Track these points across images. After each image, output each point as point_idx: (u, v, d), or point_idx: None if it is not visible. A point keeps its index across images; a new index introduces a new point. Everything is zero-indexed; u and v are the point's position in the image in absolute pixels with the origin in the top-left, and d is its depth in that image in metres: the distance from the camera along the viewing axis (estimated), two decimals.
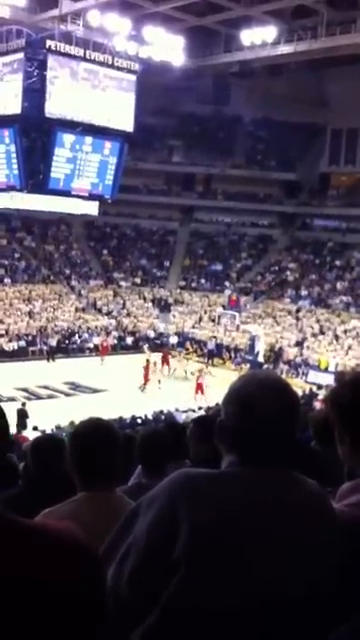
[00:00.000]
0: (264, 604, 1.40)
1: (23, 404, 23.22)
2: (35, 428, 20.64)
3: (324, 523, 1.54)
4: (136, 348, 36.11)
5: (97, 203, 28.59)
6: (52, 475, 3.75)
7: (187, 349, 36.65)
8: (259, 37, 35.93)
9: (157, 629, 1.40)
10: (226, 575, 1.40)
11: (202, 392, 28.07)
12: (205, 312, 42.29)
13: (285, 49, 36.15)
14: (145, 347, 34.86)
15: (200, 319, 41.68)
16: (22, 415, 22.07)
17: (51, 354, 34.66)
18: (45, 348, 35.11)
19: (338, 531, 1.55)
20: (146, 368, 30.04)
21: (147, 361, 30.43)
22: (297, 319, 39.33)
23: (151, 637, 1.40)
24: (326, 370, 32.06)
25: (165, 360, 32.69)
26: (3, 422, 1.33)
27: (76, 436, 2.72)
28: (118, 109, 26.73)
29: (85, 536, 1.24)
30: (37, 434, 16.51)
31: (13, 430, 19.77)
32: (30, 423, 21.41)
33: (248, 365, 32.07)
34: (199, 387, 28.44)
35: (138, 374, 30.24)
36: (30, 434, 18.91)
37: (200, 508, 1.44)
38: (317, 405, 20.20)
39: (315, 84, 42.45)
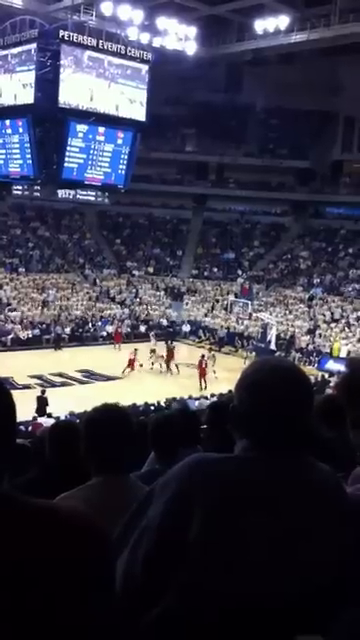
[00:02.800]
0: (276, 586, 1.42)
1: (43, 391, 23.44)
2: (49, 415, 20.95)
3: (337, 507, 1.55)
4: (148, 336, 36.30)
5: None
6: (68, 461, 3.78)
7: (200, 337, 36.79)
8: (272, 25, 35.84)
9: (171, 611, 1.41)
10: (238, 557, 1.42)
11: (204, 377, 28.36)
12: (217, 301, 42.38)
13: (298, 37, 36.05)
14: (152, 335, 34.99)
15: (212, 307, 41.81)
16: (42, 402, 22.33)
17: (58, 343, 34.81)
18: (52, 336, 35.26)
19: (351, 514, 1.56)
20: (133, 355, 30.14)
21: (135, 350, 30.62)
22: (309, 307, 39.38)
23: (165, 619, 1.41)
24: (338, 357, 32.11)
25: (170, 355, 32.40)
26: (9, 402, 1.32)
27: (89, 421, 2.73)
28: (131, 99, 26.75)
29: (94, 516, 1.26)
30: (51, 421, 16.87)
31: (28, 417, 20.15)
32: (49, 410, 21.67)
33: (254, 353, 32.12)
34: (202, 372, 28.67)
35: (153, 361, 30.59)
36: (44, 421, 19.25)
37: (212, 492, 1.46)
38: (329, 392, 20.33)
39: (328, 72, 42.19)
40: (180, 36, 37.36)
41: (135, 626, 1.43)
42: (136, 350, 30.75)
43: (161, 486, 1.56)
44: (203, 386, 28.15)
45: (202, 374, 28.68)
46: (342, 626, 1.41)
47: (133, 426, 2.76)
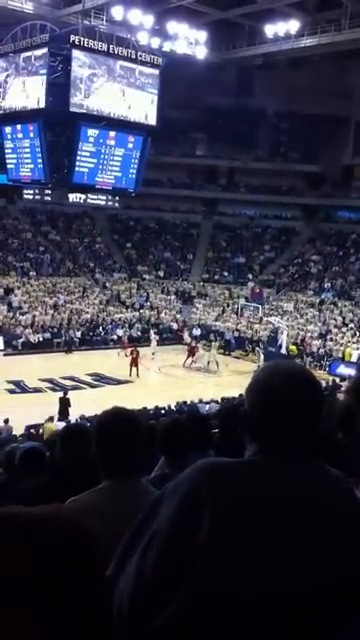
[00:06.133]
0: (286, 590, 1.40)
1: (65, 393, 23.59)
2: (60, 419, 21.03)
3: (346, 511, 1.53)
4: (160, 340, 36.33)
5: None
6: (79, 464, 3.76)
7: (211, 341, 36.82)
8: (282, 30, 35.88)
9: (180, 614, 1.39)
10: (248, 561, 1.41)
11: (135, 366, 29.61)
12: (228, 305, 42.39)
13: (308, 41, 36.09)
14: (153, 337, 35.23)
15: (223, 311, 41.81)
16: (64, 404, 22.43)
17: (69, 346, 34.96)
18: (64, 340, 35.44)
19: None
20: (133, 356, 30.38)
21: (135, 349, 31.00)
22: (320, 311, 39.30)
23: (174, 622, 1.40)
24: (349, 362, 32.05)
25: (191, 352, 33.01)
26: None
27: (99, 425, 2.73)
28: (142, 103, 26.81)
29: (76, 517, 1.18)
30: (62, 424, 16.92)
31: (40, 420, 20.22)
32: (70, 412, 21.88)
33: (262, 357, 32.16)
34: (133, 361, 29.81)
35: (163, 365, 30.64)
36: (56, 424, 19.31)
37: (222, 496, 1.46)
38: (340, 397, 20.27)
39: (338, 76, 42.20)
40: (190, 40, 37.46)
41: (144, 630, 1.42)
42: (136, 349, 30.88)
43: (171, 490, 1.56)
44: (134, 374, 29.59)
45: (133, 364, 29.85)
46: (353, 632, 1.38)
47: (142, 429, 2.75)
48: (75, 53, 24.80)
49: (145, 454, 2.86)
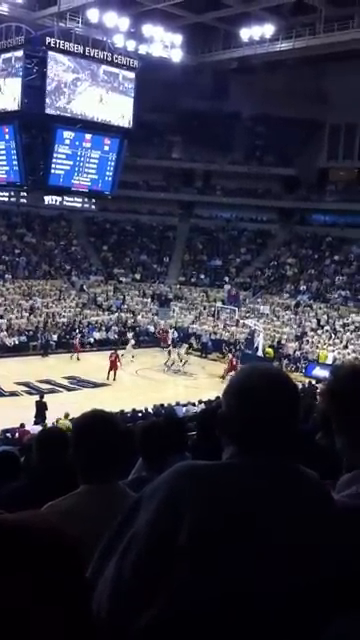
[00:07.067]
0: (265, 588, 1.41)
1: (41, 396, 23.49)
2: (36, 422, 20.92)
3: (323, 513, 1.54)
4: (136, 343, 36.30)
5: None
6: (55, 468, 3.75)
7: (190, 344, 36.84)
8: (258, 34, 36.10)
9: (161, 616, 1.40)
10: (228, 562, 1.41)
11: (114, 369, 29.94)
12: (204, 307, 42.45)
13: (284, 45, 36.38)
14: (130, 339, 35.32)
15: (200, 314, 41.86)
16: (41, 407, 22.28)
17: (45, 350, 34.83)
18: (40, 343, 35.31)
19: (337, 521, 1.54)
20: (112, 359, 30.48)
21: (115, 352, 31.15)
22: (296, 314, 39.52)
23: (155, 624, 1.40)
24: (325, 364, 32.26)
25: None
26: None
27: (77, 428, 2.71)
28: (117, 106, 26.85)
29: (56, 521, 1.18)
30: (38, 428, 16.83)
31: (15, 424, 20.09)
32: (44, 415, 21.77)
33: (238, 359, 32.27)
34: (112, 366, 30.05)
35: (140, 367, 30.62)
36: (31, 428, 19.22)
37: (202, 498, 1.46)
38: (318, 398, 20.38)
39: (314, 80, 42.54)
40: (166, 43, 37.54)
41: (125, 632, 1.41)
42: (116, 352, 30.91)
43: (149, 493, 1.55)
44: (111, 378, 29.80)
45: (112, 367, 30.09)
46: (333, 631, 1.38)
47: (121, 432, 2.74)
48: (53, 55, 24.78)
49: (124, 458, 2.85)
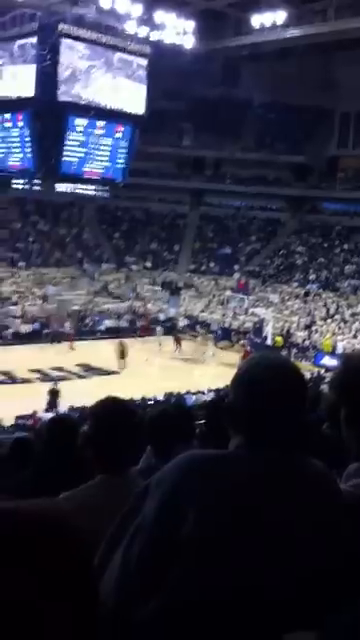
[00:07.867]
0: (271, 579, 1.41)
1: (54, 383, 23.66)
2: (47, 410, 21.11)
3: (330, 504, 1.54)
4: (147, 330, 36.36)
5: None
6: (65, 456, 3.74)
7: (200, 333, 36.91)
8: (269, 20, 35.86)
9: (166, 606, 1.39)
10: (234, 554, 1.41)
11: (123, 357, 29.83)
12: (214, 296, 42.48)
13: (295, 32, 36.09)
14: (158, 329, 35.39)
15: (209, 302, 41.91)
16: (54, 395, 22.47)
17: (57, 337, 34.81)
18: (51, 331, 35.29)
19: (344, 511, 1.54)
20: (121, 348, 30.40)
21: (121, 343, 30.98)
22: (305, 302, 39.51)
23: (160, 614, 1.40)
24: (332, 353, 32.22)
25: (177, 341, 33.26)
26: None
27: (96, 417, 2.61)
28: (130, 93, 26.86)
29: (64, 511, 1.14)
30: (49, 415, 16.99)
31: (29, 411, 20.30)
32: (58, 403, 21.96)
33: (249, 347, 32.40)
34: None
35: (151, 355, 30.75)
36: (43, 415, 19.40)
37: (206, 489, 1.46)
38: (324, 388, 20.44)
39: (324, 67, 42.25)
40: (178, 30, 37.29)
41: (130, 623, 1.42)
42: (123, 341, 30.98)
43: (156, 482, 1.55)
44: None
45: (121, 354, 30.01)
46: (339, 620, 1.39)
47: (138, 420, 2.71)
48: (67, 42, 24.75)
49: (140, 447, 2.85)
